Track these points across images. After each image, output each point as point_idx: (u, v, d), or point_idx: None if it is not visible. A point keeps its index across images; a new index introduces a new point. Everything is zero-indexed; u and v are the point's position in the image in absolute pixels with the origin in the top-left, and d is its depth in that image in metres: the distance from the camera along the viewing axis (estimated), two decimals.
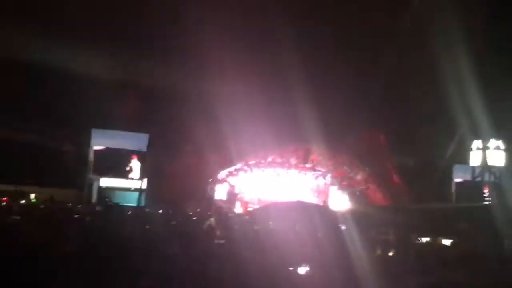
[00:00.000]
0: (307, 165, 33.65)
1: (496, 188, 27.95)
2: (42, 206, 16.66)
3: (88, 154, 29.99)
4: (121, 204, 16.72)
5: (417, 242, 11.51)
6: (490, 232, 12.52)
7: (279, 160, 33.17)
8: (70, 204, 18.65)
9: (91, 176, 29.95)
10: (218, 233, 10.15)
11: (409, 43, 28.59)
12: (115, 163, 30.60)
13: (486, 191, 31.06)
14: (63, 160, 29.05)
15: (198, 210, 23.23)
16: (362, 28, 29.42)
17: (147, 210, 21.44)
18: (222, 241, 8.62)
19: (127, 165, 30.61)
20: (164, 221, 12.41)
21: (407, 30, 28.07)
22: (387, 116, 30.68)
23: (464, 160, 30.11)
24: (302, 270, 7.15)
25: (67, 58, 26.06)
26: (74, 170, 28.70)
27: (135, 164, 30.73)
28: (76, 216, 13.79)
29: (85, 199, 27.40)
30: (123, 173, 30.50)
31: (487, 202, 27.89)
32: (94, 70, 28.02)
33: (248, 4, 28.25)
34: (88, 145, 29.88)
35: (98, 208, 17.06)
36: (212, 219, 14.31)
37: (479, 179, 29.55)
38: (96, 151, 30.14)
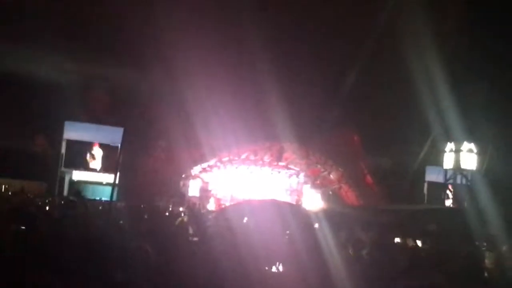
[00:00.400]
0: (281, 163, 33.69)
1: (467, 190, 28.25)
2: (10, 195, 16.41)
3: (60, 147, 29.68)
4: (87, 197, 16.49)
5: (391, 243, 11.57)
6: (458, 234, 12.64)
7: (252, 157, 33.14)
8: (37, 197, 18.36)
9: (63, 169, 29.66)
10: (190, 229, 10.10)
11: (384, 45, 28.79)
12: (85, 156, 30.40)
13: (449, 192, 31.56)
14: (35, 152, 28.71)
15: (171, 205, 23.17)
16: (338, 27, 29.55)
17: (119, 204, 21.28)
18: (194, 238, 8.58)
19: (89, 154, 30.35)
20: (136, 216, 12.28)
21: (382, 32, 28.24)
22: (362, 116, 30.84)
23: (437, 162, 30.35)
24: (275, 268, 7.15)
25: (40, 51, 25.71)
26: (46, 163, 28.37)
27: (97, 152, 30.43)
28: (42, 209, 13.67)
29: (56, 192, 27.12)
30: (86, 164, 30.31)
31: (450, 204, 28.29)
32: (68, 63, 27.77)
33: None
34: (60, 137, 29.57)
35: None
36: (184, 216, 14.25)
37: (451, 181, 29.84)
38: (68, 143, 29.86)
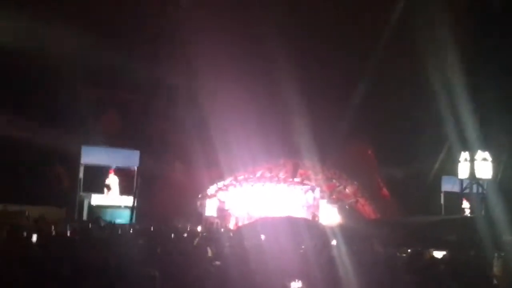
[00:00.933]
0: (296, 179, 33.78)
1: (483, 200, 28.11)
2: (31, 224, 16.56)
3: (78, 172, 29.92)
4: (111, 221, 16.67)
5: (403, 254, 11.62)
6: (476, 243, 12.67)
7: (268, 174, 33.29)
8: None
9: (81, 193, 29.87)
10: (208, 249, 10.22)
11: (397, 54, 28.86)
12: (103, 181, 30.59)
13: (465, 203, 31.42)
14: (53, 178, 28.96)
15: (189, 226, 23.29)
16: (352, 41, 29.72)
17: (138, 227, 21.47)
18: (213, 260, 8.68)
19: (104, 181, 30.52)
20: (154, 238, 12.42)
21: (394, 40, 28.33)
22: (375, 128, 30.89)
23: (453, 172, 30.22)
24: (295, 285, 7.24)
25: (49, 76, 26.07)
26: (65, 188, 28.62)
27: (113, 180, 30.63)
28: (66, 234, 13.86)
29: (75, 217, 27.31)
30: (103, 190, 30.48)
31: (468, 214, 28.14)
32: (81, 87, 28.08)
33: (236, 14, 28.43)
34: (78, 162, 29.81)
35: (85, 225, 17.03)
36: (202, 236, 14.39)
37: (467, 191, 29.70)
38: (85, 167, 30.10)
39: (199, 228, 22.57)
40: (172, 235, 13.96)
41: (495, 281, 7.69)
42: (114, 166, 30.54)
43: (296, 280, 7.40)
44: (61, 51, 25.01)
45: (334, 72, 29.91)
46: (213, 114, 26.32)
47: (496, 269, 7.92)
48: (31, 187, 25.92)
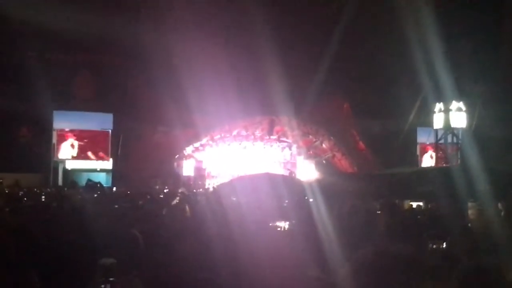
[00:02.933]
0: (272, 137, 33.79)
1: (458, 149, 28.39)
2: (6, 191, 16.32)
3: (51, 137, 29.60)
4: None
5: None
6: (453, 194, 12.75)
7: (244, 132, 33.23)
8: (36, 189, 18.28)
9: (55, 159, 29.62)
10: (186, 208, 10.16)
11: (371, 5, 28.68)
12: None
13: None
14: (26, 144, 28.62)
15: (166, 187, 23.21)
16: None
17: (115, 189, 21.35)
18: (191, 218, 8.64)
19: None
20: (132, 200, 12.32)
21: None
22: (349, 82, 30.84)
23: (428, 123, 30.41)
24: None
25: (22, 39, 25.50)
26: (38, 153, 28.29)
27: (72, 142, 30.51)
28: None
29: (51, 183, 27.11)
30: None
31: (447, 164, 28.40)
32: (54, 49, 27.53)
33: None
34: (50, 127, 29.47)
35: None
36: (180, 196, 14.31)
37: (442, 141, 29.96)
38: (58, 132, 29.79)
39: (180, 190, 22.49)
40: (149, 197, 13.85)
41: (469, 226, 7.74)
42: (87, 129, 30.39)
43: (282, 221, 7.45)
44: (32, 12, 24.41)
45: (308, 26, 29.67)
46: (187, 73, 25.96)
47: (471, 216, 7.95)
48: (3, 154, 25.60)
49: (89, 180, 16.04)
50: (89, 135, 30.45)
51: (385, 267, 2.53)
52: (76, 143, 30.07)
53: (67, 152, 29.93)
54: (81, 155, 30.21)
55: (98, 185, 14.43)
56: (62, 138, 29.86)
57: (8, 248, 4.80)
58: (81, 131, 30.24)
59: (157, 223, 6.86)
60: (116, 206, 9.93)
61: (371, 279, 2.54)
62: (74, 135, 30.04)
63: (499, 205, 10.64)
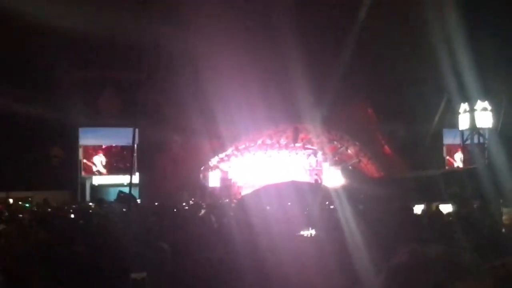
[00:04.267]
0: (297, 144, 33.73)
1: (485, 149, 28.09)
2: (35, 209, 16.50)
3: (78, 153, 29.90)
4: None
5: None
6: (480, 194, 12.60)
7: (269, 141, 33.22)
8: (65, 206, 18.45)
9: (83, 175, 29.91)
10: (212, 218, 10.19)
11: (394, 9, 28.53)
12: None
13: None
14: (53, 162, 28.92)
15: (193, 199, 23.26)
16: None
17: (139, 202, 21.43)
18: (218, 228, 8.65)
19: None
20: (160, 213, 12.37)
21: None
22: (372, 86, 30.67)
23: (453, 124, 30.14)
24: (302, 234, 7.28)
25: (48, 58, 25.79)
26: (65, 171, 28.57)
27: (101, 159, 30.75)
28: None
29: (79, 199, 27.34)
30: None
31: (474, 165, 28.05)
32: (77, 67, 27.82)
33: None
34: (76, 144, 29.78)
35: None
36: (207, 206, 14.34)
37: (468, 142, 29.66)
38: (84, 149, 30.10)
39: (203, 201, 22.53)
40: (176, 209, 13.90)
41: (503, 230, 7.61)
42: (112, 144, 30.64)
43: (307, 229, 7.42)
44: (57, 31, 24.70)
45: (332, 32, 29.60)
46: (211, 84, 26.06)
47: (504, 217, 7.81)
48: (32, 173, 25.90)
49: (120, 192, 16.11)
50: (116, 150, 30.73)
51: (421, 268, 2.54)
52: (103, 160, 30.42)
53: (98, 167, 30.34)
54: (110, 170, 30.54)
55: (129, 197, 14.49)
56: (91, 154, 30.23)
57: (34, 264, 4.86)
58: (108, 147, 30.55)
59: (184, 236, 6.87)
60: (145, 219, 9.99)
61: (408, 282, 2.55)
62: (102, 151, 30.41)
63: None
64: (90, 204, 20.17)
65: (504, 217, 7.21)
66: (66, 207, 17.57)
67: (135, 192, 29.08)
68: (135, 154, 30.43)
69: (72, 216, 14.24)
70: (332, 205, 11.95)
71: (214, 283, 4.34)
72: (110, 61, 27.70)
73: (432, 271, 2.53)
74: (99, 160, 30.51)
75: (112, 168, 30.69)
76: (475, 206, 11.74)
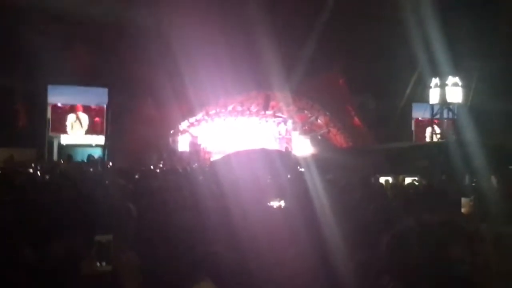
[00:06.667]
0: (268, 112, 33.71)
1: (454, 124, 28.45)
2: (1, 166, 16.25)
3: (46, 112, 29.48)
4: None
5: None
6: (448, 169, 12.79)
7: (239, 108, 33.13)
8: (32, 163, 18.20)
9: (50, 134, 29.53)
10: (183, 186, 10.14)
11: None
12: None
13: (437, 128, 31.78)
14: (20, 118, 28.48)
15: (162, 162, 23.20)
16: None
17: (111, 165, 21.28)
18: (187, 194, 8.63)
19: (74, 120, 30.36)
20: (128, 175, 12.30)
21: None
22: (344, 57, 30.68)
23: (423, 98, 30.39)
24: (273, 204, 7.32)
25: (16, 11, 25.16)
26: (32, 129, 28.15)
27: (83, 117, 30.43)
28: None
29: (46, 158, 27.03)
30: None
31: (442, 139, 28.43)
32: (46, 23, 27.20)
33: None
34: (45, 102, 29.34)
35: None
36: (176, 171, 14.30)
37: (438, 116, 29.98)
38: (53, 107, 29.69)
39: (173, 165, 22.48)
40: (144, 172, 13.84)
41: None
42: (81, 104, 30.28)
43: (277, 200, 7.44)
44: None
45: (305, 2, 29.44)
46: (181, 48, 25.73)
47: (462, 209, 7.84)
48: None
49: (90, 155, 16.06)
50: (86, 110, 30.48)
51: (426, 233, 2.63)
52: (86, 117, 30.22)
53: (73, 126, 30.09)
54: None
55: (100, 160, 14.45)
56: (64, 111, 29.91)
57: (2, 222, 4.78)
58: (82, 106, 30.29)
59: (153, 199, 6.84)
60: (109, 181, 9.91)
61: (413, 246, 2.64)
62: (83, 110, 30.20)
63: (492, 178, 10.70)
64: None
65: (462, 209, 7.29)
66: (33, 164, 17.36)
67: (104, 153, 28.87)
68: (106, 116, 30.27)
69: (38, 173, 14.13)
70: (301, 173, 12.02)
71: (180, 248, 4.31)
72: (81, 18, 27.15)
73: (435, 235, 2.62)
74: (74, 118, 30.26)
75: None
76: (442, 178, 11.94)
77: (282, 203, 7.45)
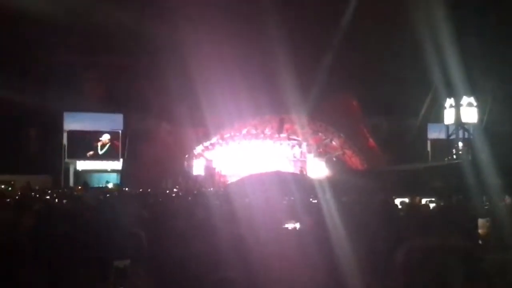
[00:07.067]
0: (282, 135, 33.73)
1: (470, 144, 28.24)
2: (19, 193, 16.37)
3: (62, 138, 29.72)
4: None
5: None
6: (464, 189, 12.68)
7: (253, 131, 33.19)
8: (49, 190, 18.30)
9: (67, 160, 29.74)
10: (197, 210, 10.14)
11: (380, 3, 28.52)
12: (90, 146, 30.48)
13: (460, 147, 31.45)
14: (36, 146, 28.72)
15: (176, 187, 23.23)
16: None
17: (126, 190, 21.35)
18: (202, 218, 8.62)
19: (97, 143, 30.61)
20: (142, 201, 12.35)
21: None
22: (358, 79, 30.66)
23: (438, 119, 30.26)
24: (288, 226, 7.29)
25: (32, 41, 25.46)
26: (48, 155, 28.34)
27: (105, 138, 30.74)
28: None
29: (62, 184, 27.19)
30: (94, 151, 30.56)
31: (458, 160, 28.14)
32: (62, 51, 27.51)
33: None
34: (61, 128, 29.60)
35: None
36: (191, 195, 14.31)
37: (453, 137, 29.79)
38: (69, 133, 29.92)
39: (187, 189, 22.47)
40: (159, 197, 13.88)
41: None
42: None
43: (289, 223, 7.40)
44: (41, 15, 24.41)
45: (317, 24, 29.52)
46: (196, 73, 25.92)
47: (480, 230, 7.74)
48: (15, 157, 25.70)
49: (107, 182, 16.17)
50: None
51: (441, 259, 2.63)
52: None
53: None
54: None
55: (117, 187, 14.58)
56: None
57: (20, 249, 4.82)
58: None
59: (166, 224, 6.84)
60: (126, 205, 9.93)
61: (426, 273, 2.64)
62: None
63: (507, 198, 10.62)
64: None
65: (479, 230, 7.21)
66: (49, 191, 17.46)
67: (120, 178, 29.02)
68: (122, 141, 30.46)
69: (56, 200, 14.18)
70: (316, 196, 11.96)
71: (199, 273, 4.32)
72: (95, 46, 27.46)
73: (453, 261, 2.62)
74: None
75: (96, 154, 30.62)
76: (456, 200, 11.84)
77: (298, 225, 7.43)
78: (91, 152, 30.38)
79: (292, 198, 11.36)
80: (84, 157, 30.21)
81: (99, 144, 30.55)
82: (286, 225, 7.32)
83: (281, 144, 34.18)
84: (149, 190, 17.93)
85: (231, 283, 4.03)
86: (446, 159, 29.71)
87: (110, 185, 23.12)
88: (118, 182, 27.43)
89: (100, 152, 30.50)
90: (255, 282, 4.13)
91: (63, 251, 5.05)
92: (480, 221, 7.38)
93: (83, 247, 5.12)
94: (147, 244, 5.06)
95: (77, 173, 29.79)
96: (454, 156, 29.86)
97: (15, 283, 4.13)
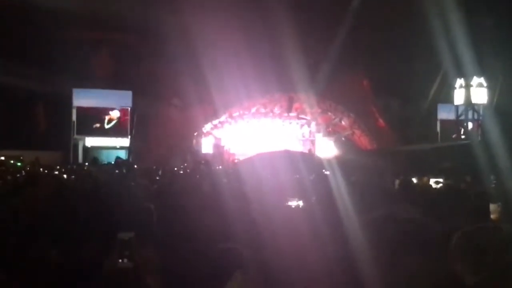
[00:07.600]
0: (291, 114, 33.68)
1: (479, 125, 28.12)
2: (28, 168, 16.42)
3: (71, 115, 29.79)
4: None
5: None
6: (473, 169, 12.63)
7: (263, 110, 33.16)
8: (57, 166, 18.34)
9: (76, 136, 29.84)
10: (205, 187, 10.14)
11: None
12: (99, 121, 30.57)
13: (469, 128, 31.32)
14: (45, 122, 28.81)
15: (184, 164, 23.25)
16: None
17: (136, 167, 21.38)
18: (210, 195, 8.63)
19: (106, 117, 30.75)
20: (151, 176, 12.39)
21: None
22: (368, 58, 30.49)
23: (448, 99, 30.13)
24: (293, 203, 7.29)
25: (41, 17, 25.40)
26: (57, 132, 28.44)
27: (115, 114, 30.82)
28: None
29: (71, 160, 27.29)
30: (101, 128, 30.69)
31: (467, 140, 28.03)
32: (72, 28, 27.47)
33: None
34: (70, 105, 29.65)
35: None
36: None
37: (462, 117, 29.67)
38: (78, 110, 29.99)
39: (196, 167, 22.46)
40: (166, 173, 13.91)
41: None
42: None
43: (295, 199, 7.39)
44: None
45: (327, 1, 29.33)
46: (205, 50, 25.86)
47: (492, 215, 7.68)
48: (24, 132, 25.81)
49: (117, 157, 16.17)
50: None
51: (393, 230, 2.63)
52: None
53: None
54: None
55: (126, 163, 14.58)
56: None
57: (29, 225, 4.86)
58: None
59: (175, 198, 6.87)
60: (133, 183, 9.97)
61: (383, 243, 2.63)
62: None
63: None
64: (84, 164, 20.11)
65: (492, 216, 7.15)
66: (58, 167, 17.52)
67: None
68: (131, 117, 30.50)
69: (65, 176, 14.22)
70: (324, 175, 11.95)
71: (206, 245, 4.35)
72: (105, 23, 27.38)
73: (407, 234, 2.62)
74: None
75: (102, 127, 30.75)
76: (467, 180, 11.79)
77: (301, 203, 7.41)
78: (97, 125, 30.35)
79: (300, 176, 11.35)
80: (92, 132, 30.27)
81: (107, 118, 30.57)
82: (290, 203, 7.32)
83: (290, 123, 34.13)
84: (154, 167, 17.94)
85: (237, 253, 4.06)
86: (453, 136, 29.70)
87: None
88: (127, 159, 27.49)
89: (107, 126, 30.52)
90: (261, 254, 4.15)
91: (75, 226, 5.11)
92: (492, 206, 7.33)
93: (95, 222, 5.18)
94: (156, 218, 5.09)
95: (86, 150, 29.91)
96: (463, 137, 29.77)
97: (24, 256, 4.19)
